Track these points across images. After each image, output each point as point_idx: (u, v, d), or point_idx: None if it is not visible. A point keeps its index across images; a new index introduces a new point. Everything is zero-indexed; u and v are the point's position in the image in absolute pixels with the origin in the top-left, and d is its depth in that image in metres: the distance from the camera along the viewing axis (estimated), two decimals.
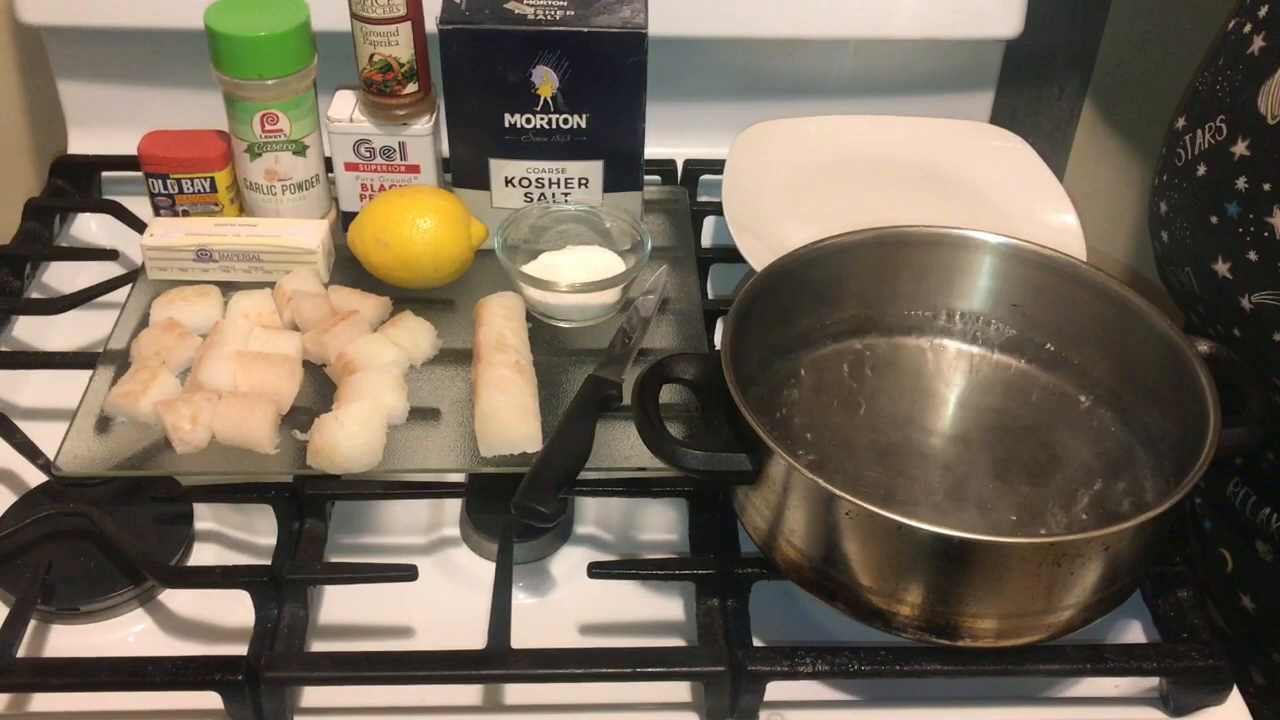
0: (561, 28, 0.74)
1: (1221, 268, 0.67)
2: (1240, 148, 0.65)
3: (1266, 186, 0.65)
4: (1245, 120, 0.66)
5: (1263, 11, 0.66)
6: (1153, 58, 1.06)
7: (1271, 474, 0.71)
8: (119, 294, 0.80)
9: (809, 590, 0.61)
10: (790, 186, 0.89)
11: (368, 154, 0.80)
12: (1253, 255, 0.66)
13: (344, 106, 0.80)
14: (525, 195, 0.81)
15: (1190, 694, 0.62)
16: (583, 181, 0.80)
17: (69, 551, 0.67)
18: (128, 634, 0.66)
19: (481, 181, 0.80)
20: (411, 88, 0.78)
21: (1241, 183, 0.66)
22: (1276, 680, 0.73)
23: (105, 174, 0.95)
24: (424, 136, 0.80)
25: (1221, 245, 0.67)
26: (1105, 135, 1.13)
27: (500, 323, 0.74)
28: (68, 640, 0.65)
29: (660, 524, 0.72)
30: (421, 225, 0.76)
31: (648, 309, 0.78)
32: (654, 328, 0.77)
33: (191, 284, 0.78)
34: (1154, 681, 0.64)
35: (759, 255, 0.76)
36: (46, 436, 0.70)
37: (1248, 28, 0.67)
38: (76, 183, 0.94)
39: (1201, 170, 0.68)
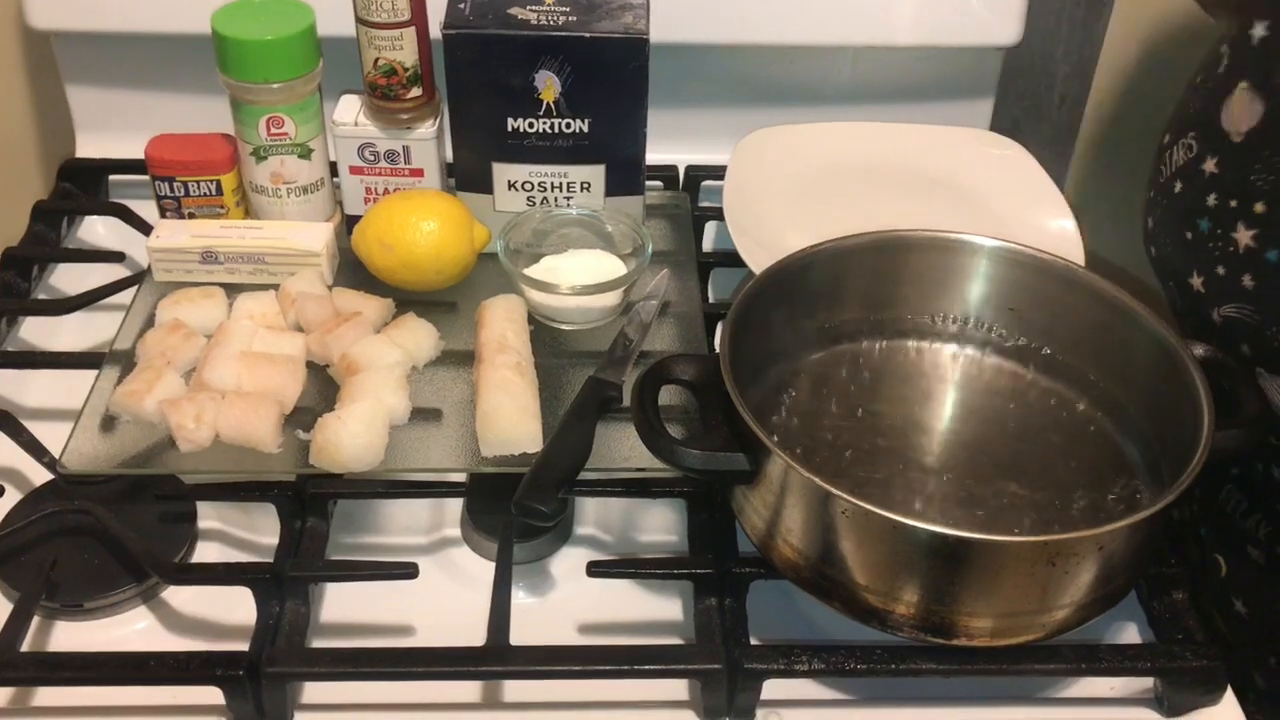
0: (564, 33, 0.75)
1: (1196, 282, 0.68)
2: (1210, 165, 0.67)
3: (1233, 203, 0.66)
4: (1212, 138, 0.67)
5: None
6: (1154, 67, 1.06)
7: (1263, 482, 0.72)
8: (125, 295, 0.81)
9: (806, 589, 0.62)
10: (790, 192, 0.89)
11: (372, 157, 0.81)
12: (1220, 270, 0.67)
13: (349, 110, 0.81)
14: (528, 199, 0.81)
15: (1184, 694, 0.62)
16: (585, 186, 0.81)
17: (73, 548, 0.67)
18: (131, 630, 0.66)
19: (484, 185, 0.81)
20: (415, 92, 0.79)
21: (1211, 199, 0.67)
22: (1276, 684, 0.73)
23: (112, 178, 0.96)
24: (428, 140, 0.80)
25: (1195, 260, 0.68)
26: (1106, 143, 1.13)
27: (502, 324, 0.75)
28: (71, 637, 0.66)
29: (659, 524, 0.73)
30: (425, 228, 0.77)
31: (648, 312, 0.78)
32: (655, 331, 0.78)
33: (197, 285, 0.79)
34: (1149, 682, 0.64)
35: (759, 259, 0.77)
36: (52, 435, 0.71)
37: (1224, 46, 0.68)
38: (84, 186, 0.95)
39: (1178, 187, 0.70)
